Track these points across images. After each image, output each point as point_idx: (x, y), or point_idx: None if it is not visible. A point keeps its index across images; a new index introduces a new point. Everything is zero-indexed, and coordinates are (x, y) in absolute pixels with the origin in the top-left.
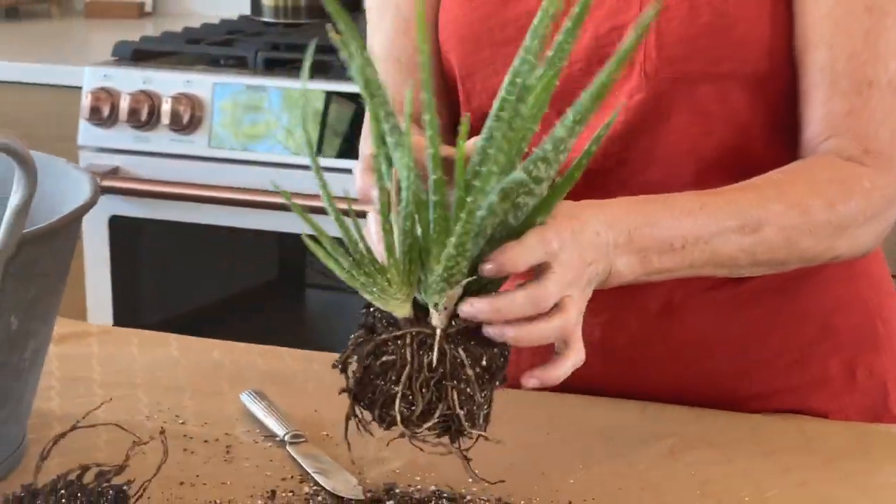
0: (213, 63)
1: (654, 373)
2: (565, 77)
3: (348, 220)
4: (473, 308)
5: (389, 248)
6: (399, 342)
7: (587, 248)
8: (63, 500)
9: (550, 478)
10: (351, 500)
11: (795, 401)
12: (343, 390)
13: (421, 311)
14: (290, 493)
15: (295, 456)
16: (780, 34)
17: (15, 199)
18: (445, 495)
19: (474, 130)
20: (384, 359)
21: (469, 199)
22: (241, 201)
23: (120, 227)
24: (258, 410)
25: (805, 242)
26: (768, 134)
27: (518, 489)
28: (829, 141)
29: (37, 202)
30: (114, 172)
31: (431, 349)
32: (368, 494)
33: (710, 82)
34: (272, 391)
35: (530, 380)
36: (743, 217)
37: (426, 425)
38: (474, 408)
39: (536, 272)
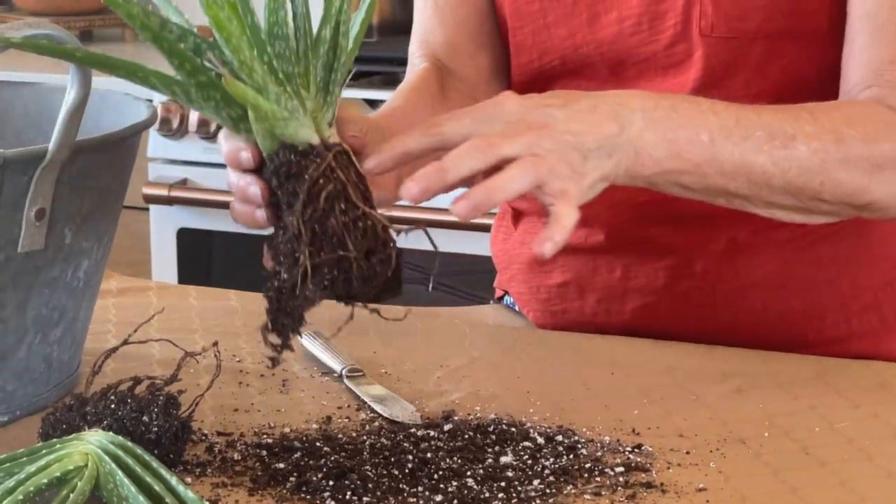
0: None
1: (720, 316)
2: (614, 34)
3: None
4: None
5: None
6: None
7: (584, 109)
8: (112, 406)
9: (613, 409)
10: (408, 425)
11: (869, 346)
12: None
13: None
14: (346, 420)
15: (351, 387)
16: None
17: (69, 98)
18: (504, 422)
19: (520, 86)
20: (328, 188)
21: None
22: None
23: (188, 239)
24: (316, 348)
25: (839, 173)
26: (825, 90)
27: (579, 418)
28: (872, 89)
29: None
30: (182, 184)
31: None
32: (426, 421)
33: (766, 40)
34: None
35: (541, 245)
36: (772, 129)
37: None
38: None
39: None
